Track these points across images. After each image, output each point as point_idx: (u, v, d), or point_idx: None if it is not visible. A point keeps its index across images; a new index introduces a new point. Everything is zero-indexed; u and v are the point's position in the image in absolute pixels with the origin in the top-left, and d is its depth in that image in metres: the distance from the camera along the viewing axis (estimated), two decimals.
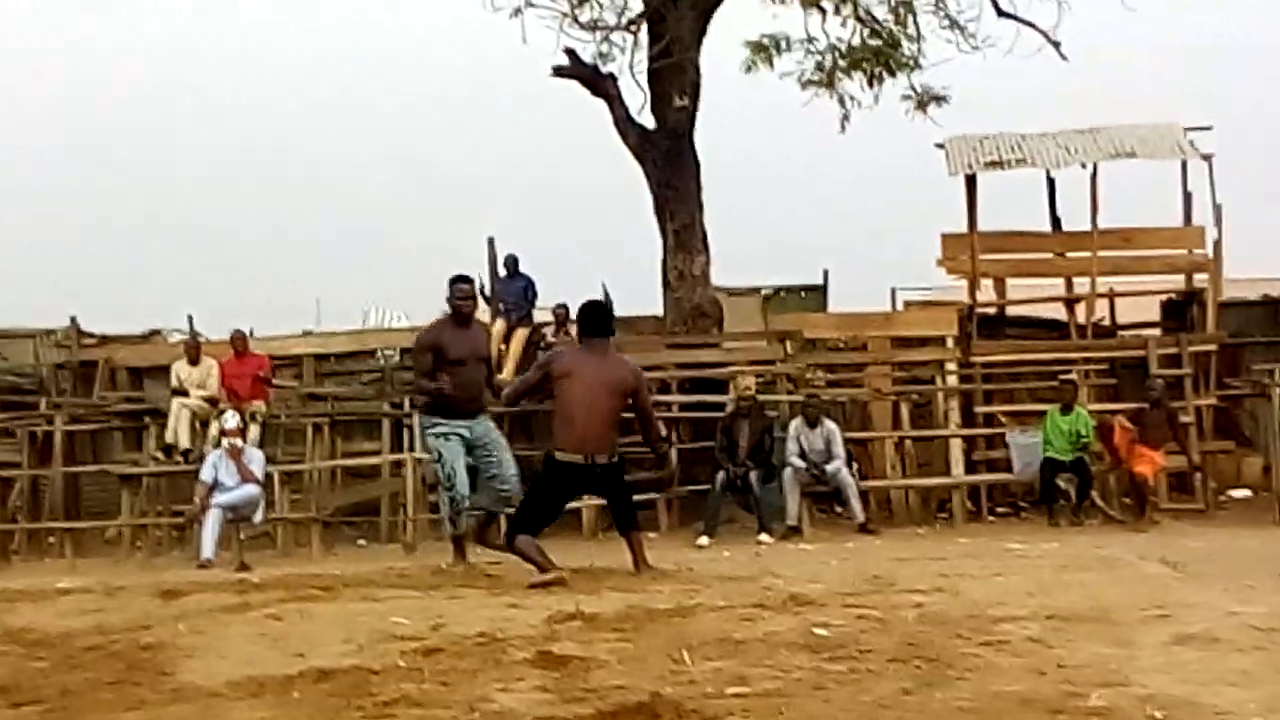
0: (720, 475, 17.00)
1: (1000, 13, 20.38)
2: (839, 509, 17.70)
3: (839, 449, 17.37)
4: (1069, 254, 21.66)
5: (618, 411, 10.06)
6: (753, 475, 16.94)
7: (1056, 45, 20.22)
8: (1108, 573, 9.69)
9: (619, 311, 21.92)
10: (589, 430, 9.80)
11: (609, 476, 10.12)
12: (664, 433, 12.18)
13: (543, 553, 9.62)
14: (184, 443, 18.56)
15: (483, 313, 23.55)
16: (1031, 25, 20.26)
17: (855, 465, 17.84)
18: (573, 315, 12.46)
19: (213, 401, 18.82)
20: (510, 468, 11.39)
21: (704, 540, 16.26)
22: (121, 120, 39.03)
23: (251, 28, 41.92)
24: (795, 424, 17.50)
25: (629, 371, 10.11)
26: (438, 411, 11.41)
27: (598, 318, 10.16)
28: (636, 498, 18.27)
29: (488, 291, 19.94)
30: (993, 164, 21.00)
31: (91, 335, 22.47)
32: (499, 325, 19.43)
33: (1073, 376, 18.49)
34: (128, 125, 39.29)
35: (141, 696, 6.13)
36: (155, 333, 23.44)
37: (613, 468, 10.01)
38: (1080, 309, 21.22)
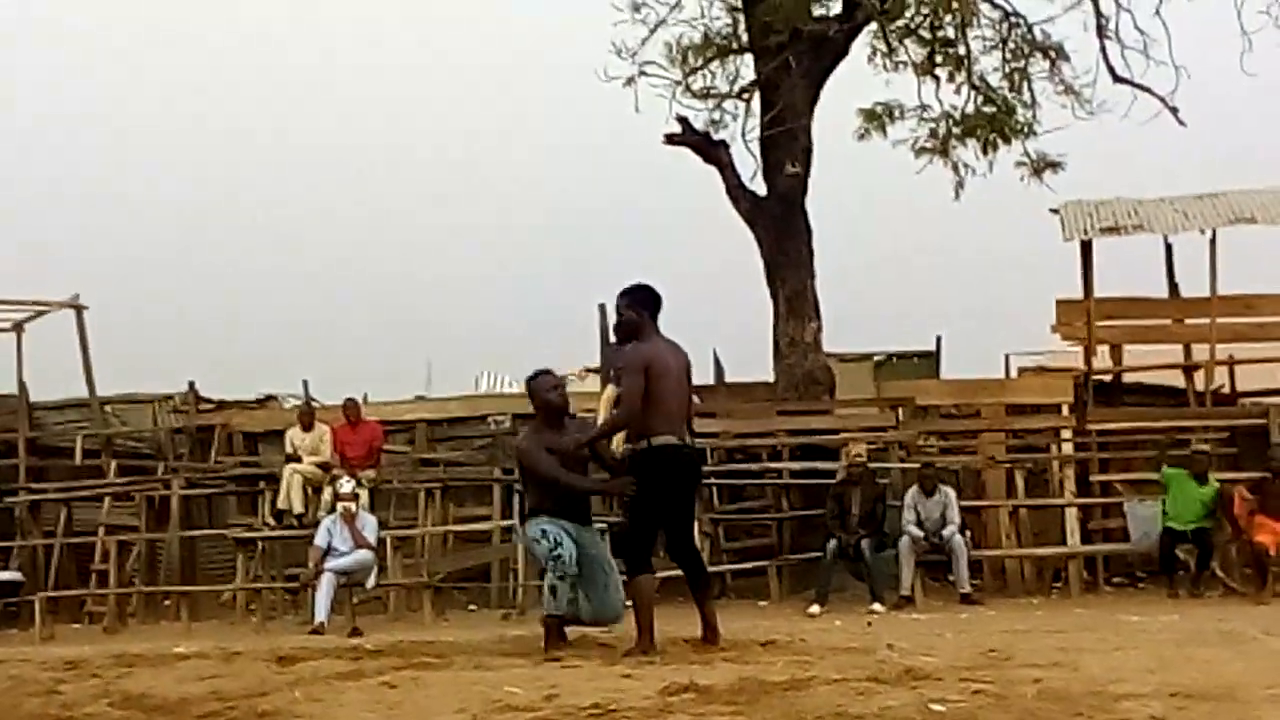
0: (832, 543, 16.86)
1: (1116, 78, 20.22)
2: (951, 578, 17.50)
3: (954, 514, 17.19)
4: (1187, 320, 21.34)
5: None
6: (864, 543, 16.79)
7: (1174, 111, 20.03)
8: (1231, 648, 9.47)
9: (730, 378, 22.05)
10: (681, 416, 9.78)
11: (699, 466, 10.04)
12: None
13: (652, 613, 9.53)
14: (297, 508, 18.76)
15: (585, 381, 23.72)
16: (1148, 90, 20.10)
17: (968, 533, 17.64)
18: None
19: (325, 467, 19.02)
20: (617, 590, 10.07)
21: (815, 609, 16.13)
22: (237, 182, 39.70)
23: (368, 88, 42.41)
24: (911, 492, 17.35)
25: (685, 353, 9.96)
26: (545, 513, 10.05)
27: (659, 299, 9.91)
28: (746, 566, 18.47)
29: (598, 360, 19.97)
30: (1109, 229, 20.74)
31: (209, 401, 22.81)
32: (609, 391, 19.42)
33: (1206, 448, 18.14)
34: (243, 186, 39.92)
35: None
36: (270, 398, 23.74)
37: (701, 455, 9.97)
38: (1199, 376, 20.89)
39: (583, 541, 9.98)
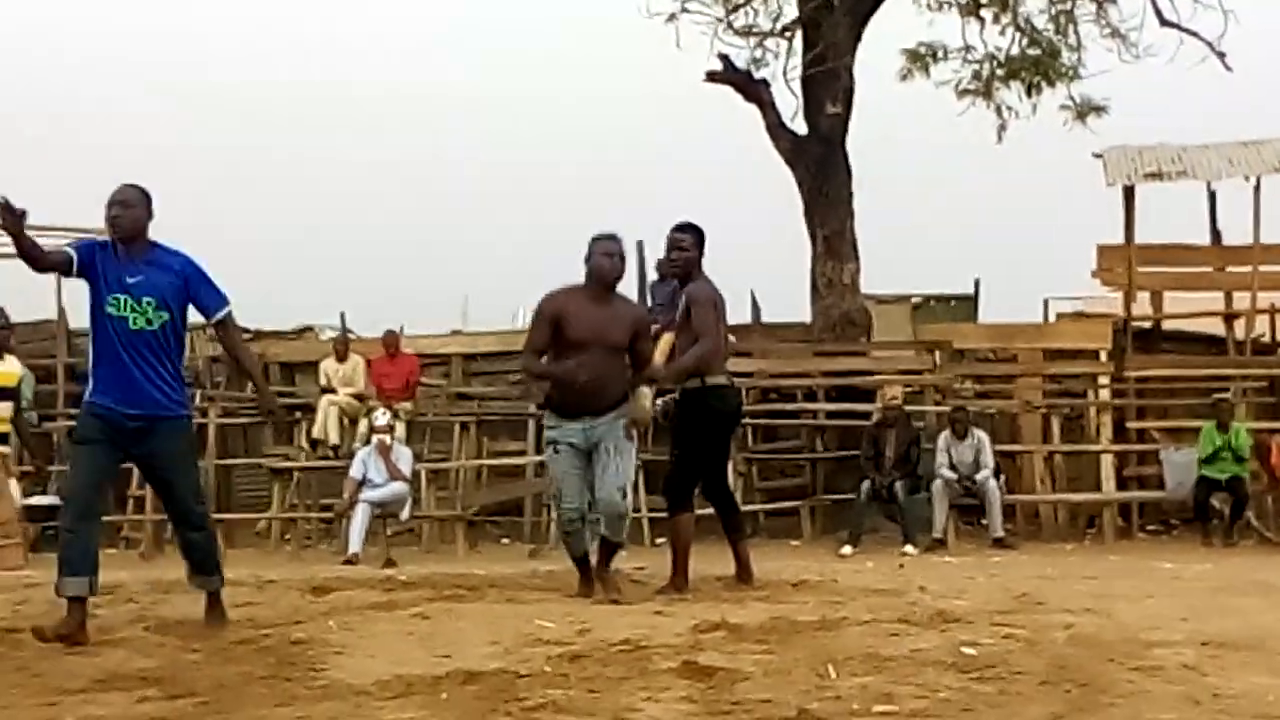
0: (865, 485, 16.86)
1: (1163, 22, 19.97)
2: (984, 521, 17.48)
3: (988, 458, 17.15)
4: (1229, 268, 21.18)
5: None
6: (898, 485, 16.78)
7: (1221, 56, 19.80)
8: (1264, 598, 9.46)
9: (766, 318, 22.01)
10: (726, 357, 9.83)
11: (741, 409, 10.06)
12: None
13: (688, 553, 9.57)
14: (333, 439, 18.87)
15: None
16: (1195, 35, 19.84)
17: (1002, 478, 17.61)
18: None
19: (360, 398, 19.10)
20: (612, 477, 9.06)
21: (847, 550, 16.14)
22: (279, 119, 39.74)
23: (406, 27, 42.37)
24: (944, 436, 17.32)
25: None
26: (554, 408, 9.21)
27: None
28: (779, 506, 18.49)
29: (635, 297, 19.90)
30: (1152, 175, 20.55)
31: (246, 330, 22.76)
32: (666, 340, 19.39)
33: (1228, 395, 18.08)
34: (285, 124, 39.98)
35: (293, 692, 6.21)
36: (308, 329, 23.82)
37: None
38: (1239, 324, 20.75)
39: (591, 441, 9.08)
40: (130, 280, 7.56)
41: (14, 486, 18.50)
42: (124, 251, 7.62)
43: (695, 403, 9.56)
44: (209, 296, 7.81)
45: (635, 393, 9.17)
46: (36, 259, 7.64)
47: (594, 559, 9.45)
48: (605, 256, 9.11)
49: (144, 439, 7.65)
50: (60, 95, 38.16)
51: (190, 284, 7.73)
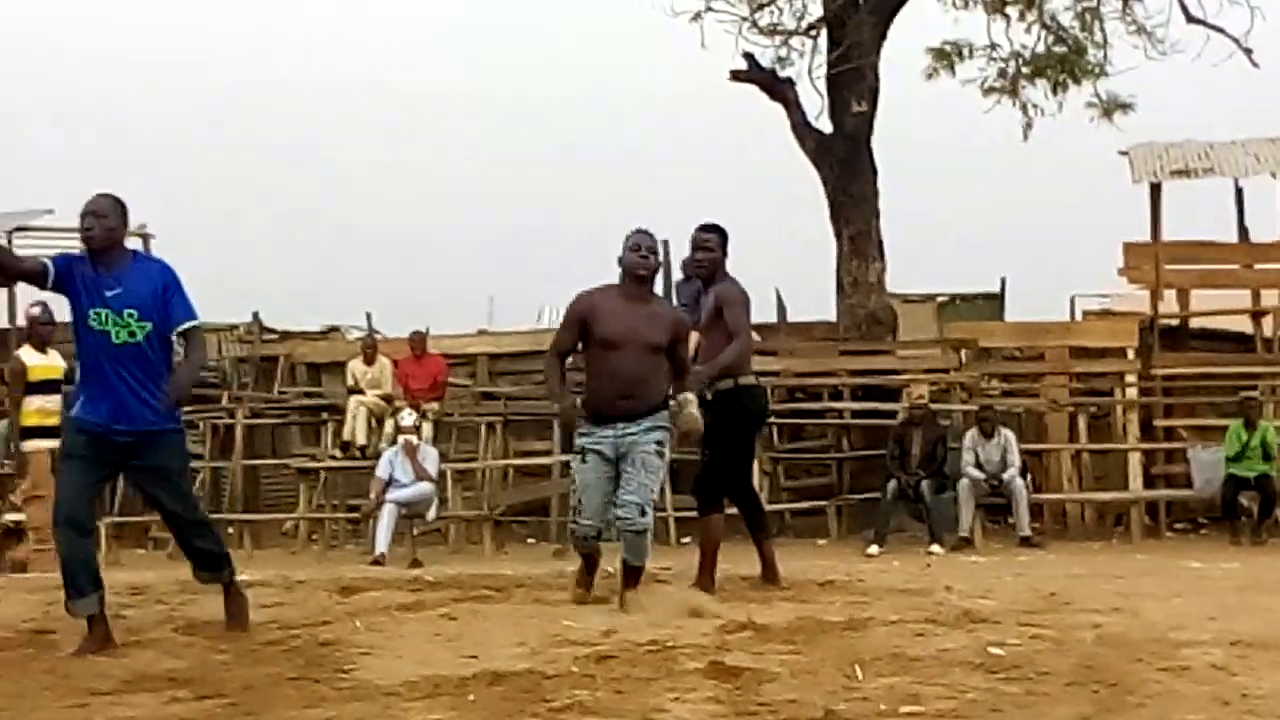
0: (892, 484, 16.84)
1: (1190, 18, 19.93)
2: (1010, 520, 17.44)
3: (1014, 457, 17.12)
4: (1256, 265, 21.11)
5: None
6: (924, 484, 16.76)
7: (1248, 52, 19.74)
8: None
9: (792, 317, 22.01)
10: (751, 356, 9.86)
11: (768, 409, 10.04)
12: None
13: (716, 553, 9.55)
14: (360, 439, 18.93)
15: None
16: (1221, 31, 19.80)
17: (1029, 476, 17.57)
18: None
19: (388, 399, 19.16)
20: (634, 493, 8.35)
21: (874, 549, 16.12)
22: (302, 119, 39.86)
23: (426, 29, 42.48)
24: (970, 435, 17.29)
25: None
26: (589, 414, 8.60)
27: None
28: (805, 505, 18.48)
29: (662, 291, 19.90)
30: (1178, 172, 20.50)
31: (273, 331, 23.00)
32: (693, 338, 19.40)
33: (1256, 393, 18.02)
34: (308, 124, 40.11)
35: (321, 693, 6.24)
36: (334, 329, 23.92)
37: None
38: (1267, 322, 20.66)
39: (621, 449, 8.42)
40: (109, 293, 7.36)
41: None
42: (101, 264, 7.41)
43: (729, 403, 9.50)
44: (179, 307, 7.54)
45: (681, 400, 8.55)
46: (5, 266, 7.59)
47: (610, 567, 9.09)
48: (634, 251, 8.55)
49: (134, 453, 7.56)
50: (61, 95, 38.46)
51: (166, 291, 7.50)
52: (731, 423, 9.45)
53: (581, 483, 8.64)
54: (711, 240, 9.73)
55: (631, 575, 8.54)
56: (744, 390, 9.51)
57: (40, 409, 12.78)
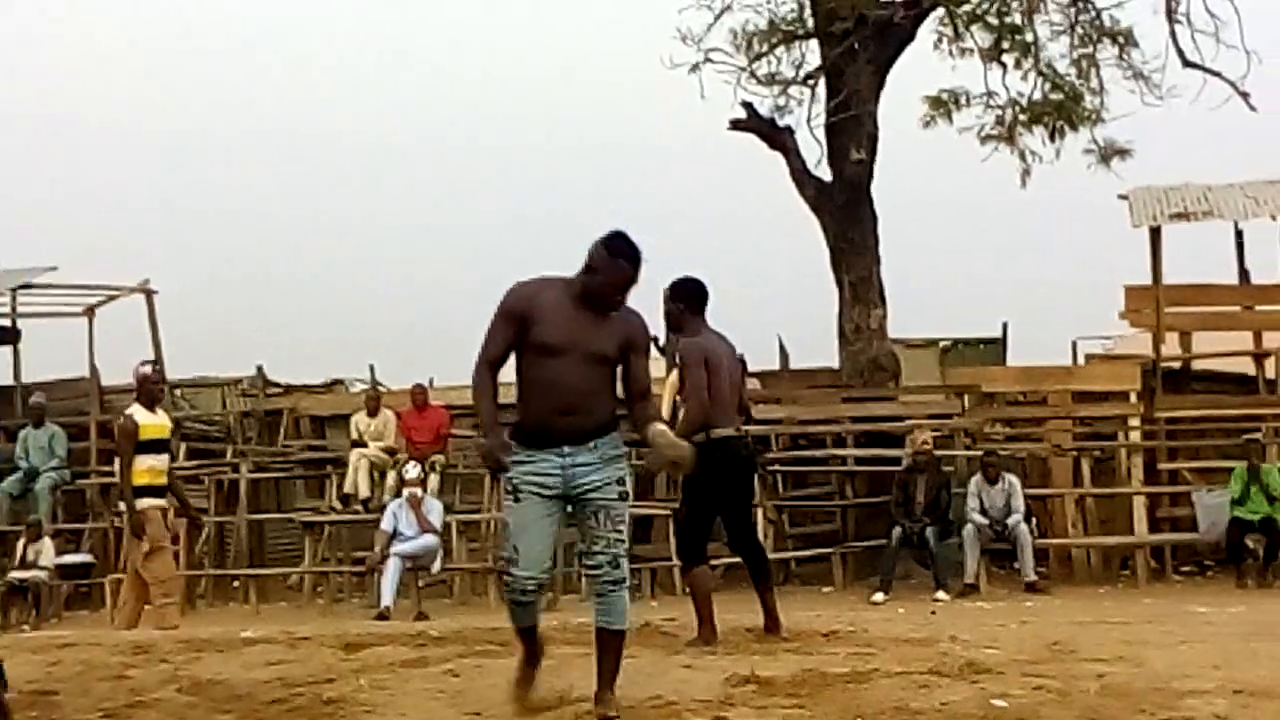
0: (896, 531, 16.84)
1: (1186, 63, 20.04)
2: (1016, 565, 17.42)
3: (1019, 502, 17.13)
4: (1258, 307, 21.15)
5: None
6: (929, 531, 16.76)
7: (1245, 96, 19.83)
8: None
9: (794, 364, 22.01)
10: (734, 407, 9.79)
11: (754, 457, 9.98)
12: None
13: (710, 604, 9.54)
14: (363, 492, 18.94)
15: (654, 361, 23.67)
16: (1218, 75, 19.92)
17: (1034, 521, 17.56)
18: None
19: (391, 452, 19.18)
20: (599, 547, 6.90)
21: (879, 596, 16.12)
22: (302, 170, 39.96)
23: (444, 74, 42.61)
24: (975, 480, 17.29)
25: (730, 342, 9.90)
26: (521, 435, 7.00)
27: (703, 292, 9.88)
28: (809, 553, 18.45)
29: (662, 342, 19.92)
30: (1178, 216, 20.55)
31: (276, 385, 23.04)
32: (673, 377, 19.43)
33: (1259, 435, 18.02)
34: (308, 174, 40.20)
35: None
36: (338, 382, 23.95)
37: (760, 443, 9.89)
38: (1269, 363, 20.68)
39: (568, 478, 6.83)
40: None
41: (48, 544, 18.66)
42: None
43: (702, 457, 9.45)
44: None
45: (651, 431, 7.02)
46: None
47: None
48: (604, 258, 6.91)
49: None
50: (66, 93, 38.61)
51: None
52: (702, 476, 9.39)
53: (515, 525, 6.94)
54: (665, 296, 9.87)
55: (611, 653, 7.00)
56: (715, 444, 9.52)
57: (151, 468, 12.77)
